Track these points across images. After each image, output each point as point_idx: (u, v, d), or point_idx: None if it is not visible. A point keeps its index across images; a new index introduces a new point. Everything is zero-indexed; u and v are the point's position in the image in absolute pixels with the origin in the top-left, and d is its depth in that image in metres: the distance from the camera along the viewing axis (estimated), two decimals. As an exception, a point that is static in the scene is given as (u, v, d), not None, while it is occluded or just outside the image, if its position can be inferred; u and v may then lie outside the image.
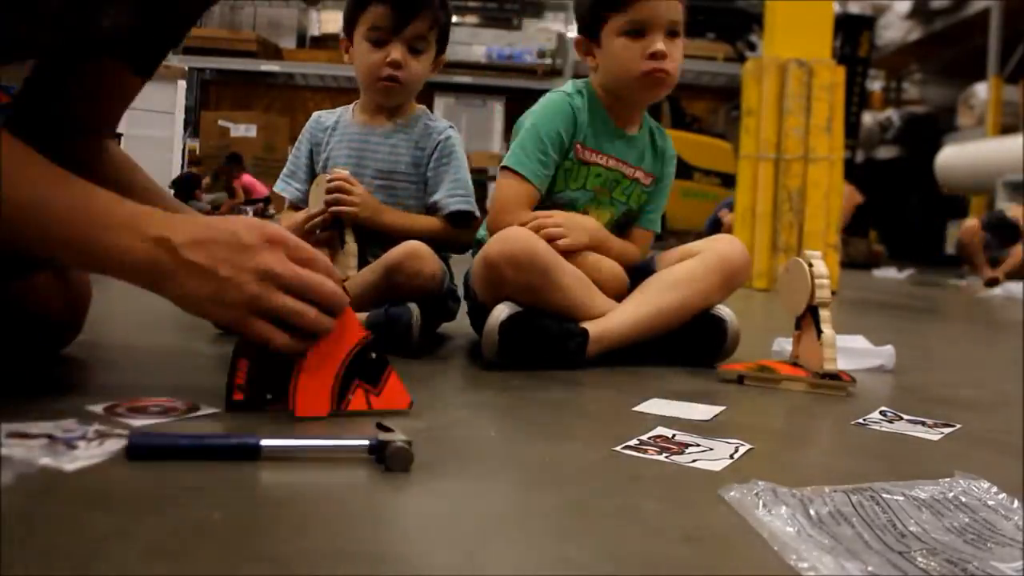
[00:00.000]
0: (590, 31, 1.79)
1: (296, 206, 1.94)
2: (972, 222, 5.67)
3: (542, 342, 1.54)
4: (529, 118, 1.78)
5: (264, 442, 0.88)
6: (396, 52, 1.80)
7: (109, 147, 1.36)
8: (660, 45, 1.71)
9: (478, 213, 1.85)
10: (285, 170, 1.98)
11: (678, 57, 1.76)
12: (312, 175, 1.93)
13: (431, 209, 1.87)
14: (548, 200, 1.77)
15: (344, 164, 1.85)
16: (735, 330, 1.70)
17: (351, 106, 1.98)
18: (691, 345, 1.69)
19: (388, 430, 0.93)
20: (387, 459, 0.88)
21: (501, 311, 1.53)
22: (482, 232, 1.87)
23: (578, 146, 1.77)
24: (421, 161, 1.89)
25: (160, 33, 1.28)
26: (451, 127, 1.94)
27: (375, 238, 1.79)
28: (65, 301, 1.32)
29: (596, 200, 1.81)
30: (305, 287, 1.02)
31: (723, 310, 1.71)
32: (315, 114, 2.00)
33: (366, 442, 0.90)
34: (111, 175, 1.23)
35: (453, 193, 1.85)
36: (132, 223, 0.98)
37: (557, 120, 1.75)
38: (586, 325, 1.61)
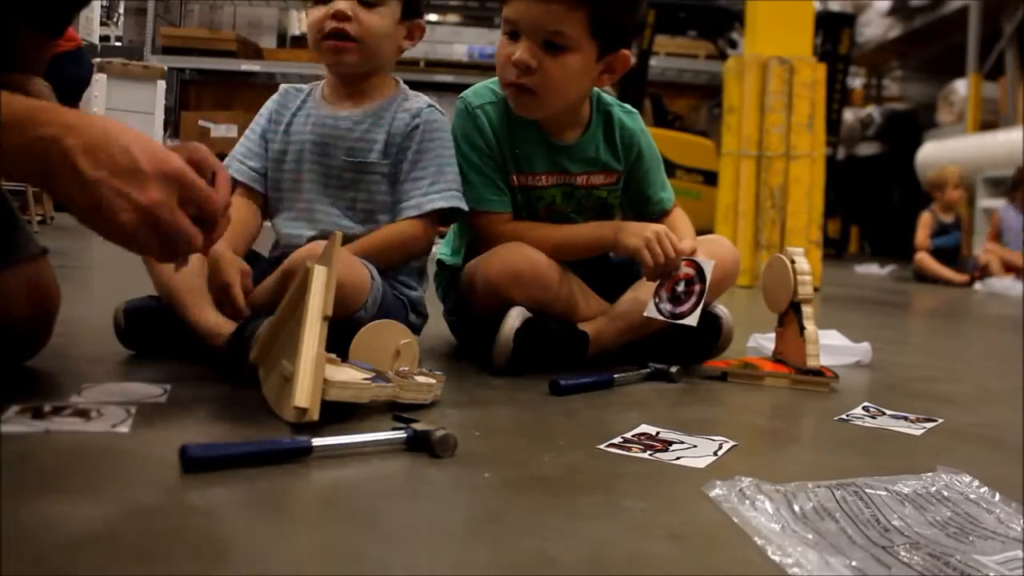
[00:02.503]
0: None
1: (249, 188, 1.62)
2: (920, 254, 5.82)
3: (547, 346, 1.53)
4: (454, 146, 1.62)
5: (315, 442, 0.92)
6: (340, 2, 1.50)
7: (31, 84, 1.27)
8: (522, 54, 1.49)
9: (467, 207, 1.57)
10: (239, 146, 1.65)
11: (552, 74, 1.51)
12: (266, 148, 1.64)
13: (397, 204, 1.56)
14: None
15: (310, 150, 1.58)
16: (729, 327, 1.70)
17: (321, 84, 1.68)
18: (686, 342, 1.68)
19: (410, 422, 1.01)
20: (435, 446, 0.95)
21: (514, 319, 1.47)
22: (444, 250, 1.81)
23: (514, 176, 1.65)
24: (394, 149, 1.57)
25: None
26: (431, 106, 1.61)
27: None
28: (32, 308, 1.25)
29: (552, 220, 1.70)
30: (179, 241, 0.97)
31: (719, 308, 1.71)
32: (283, 88, 1.71)
33: (403, 435, 0.97)
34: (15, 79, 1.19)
35: (432, 188, 1.54)
36: (28, 118, 0.92)
37: (472, 139, 1.63)
38: (583, 326, 1.61)
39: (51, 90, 1.31)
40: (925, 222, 6.01)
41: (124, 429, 0.98)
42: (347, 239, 1.46)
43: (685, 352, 1.65)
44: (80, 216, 0.96)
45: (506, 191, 1.65)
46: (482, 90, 1.68)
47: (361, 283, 1.40)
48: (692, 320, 1.52)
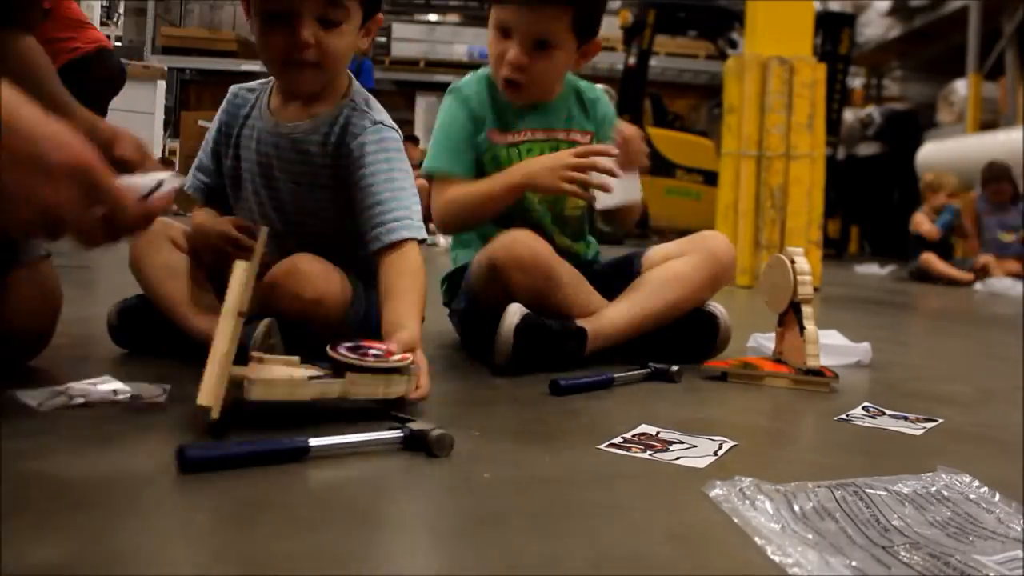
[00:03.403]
0: (488, 11, 1.75)
1: (204, 203, 1.58)
2: (926, 255, 5.85)
3: (547, 343, 1.53)
4: (436, 123, 1.79)
5: (313, 442, 0.91)
6: (305, 30, 1.34)
7: (21, 44, 1.24)
8: (515, 56, 1.65)
9: (425, 235, 1.42)
10: (197, 159, 1.60)
11: (541, 70, 1.68)
12: (219, 163, 1.57)
13: (362, 236, 1.40)
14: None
15: (262, 172, 1.50)
16: (727, 326, 1.71)
17: (269, 85, 1.56)
18: (684, 341, 1.69)
19: (407, 420, 1.00)
20: (432, 445, 0.95)
21: (513, 315, 1.49)
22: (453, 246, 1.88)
23: (492, 133, 1.75)
24: (342, 170, 1.45)
25: None
26: (380, 123, 1.46)
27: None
28: (36, 309, 1.26)
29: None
30: (89, 238, 0.89)
31: (715, 307, 1.72)
32: (233, 89, 1.59)
33: (399, 434, 0.97)
34: (22, 72, 1.16)
35: (390, 217, 1.39)
36: None
37: (454, 110, 1.75)
38: (582, 323, 1.61)
39: (39, 58, 1.27)
40: (922, 219, 6.04)
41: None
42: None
43: (683, 351, 1.65)
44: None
45: (466, 159, 1.74)
46: (468, 78, 1.82)
47: (340, 298, 1.40)
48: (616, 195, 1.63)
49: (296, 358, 1.06)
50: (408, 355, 1.13)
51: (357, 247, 1.43)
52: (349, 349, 1.09)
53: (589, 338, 1.59)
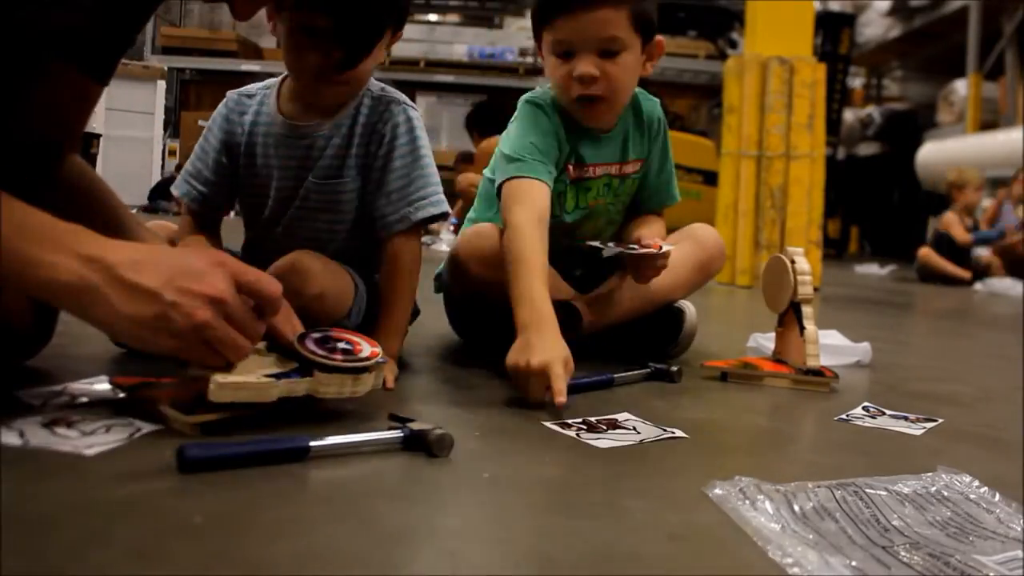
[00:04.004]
0: (537, 39, 1.65)
1: (197, 211, 1.54)
2: (925, 249, 5.84)
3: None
4: (511, 130, 1.65)
5: (313, 443, 0.91)
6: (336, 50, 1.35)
7: (71, 164, 1.26)
8: (584, 68, 1.55)
9: (448, 208, 1.49)
10: (191, 165, 1.54)
11: (615, 76, 1.58)
12: (223, 172, 1.53)
13: (381, 217, 1.45)
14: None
15: (283, 175, 1.49)
16: (692, 323, 1.72)
17: (274, 89, 1.54)
18: (648, 335, 1.71)
19: (407, 420, 0.99)
20: (431, 445, 0.95)
21: None
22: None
23: (569, 167, 1.67)
24: (369, 162, 1.48)
25: (116, 32, 1.19)
26: (403, 105, 1.49)
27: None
28: (36, 309, 1.24)
29: (591, 214, 1.74)
30: (246, 323, 0.97)
31: (684, 303, 1.74)
32: (229, 95, 1.56)
33: (399, 434, 0.97)
34: (71, 195, 1.18)
35: (416, 195, 1.45)
36: (64, 239, 0.90)
37: (541, 122, 1.63)
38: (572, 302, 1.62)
39: (90, 173, 1.28)
40: (954, 220, 5.96)
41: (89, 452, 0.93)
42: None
43: (646, 344, 1.69)
44: (133, 335, 0.94)
45: (552, 165, 1.61)
46: (541, 92, 1.69)
47: (343, 292, 1.41)
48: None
49: (263, 345, 1.06)
50: (377, 350, 1.10)
51: (367, 244, 1.49)
52: (317, 342, 1.07)
53: (584, 319, 1.60)
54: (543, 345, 1.28)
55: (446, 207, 1.47)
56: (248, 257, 1.51)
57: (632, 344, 1.68)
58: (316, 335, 1.08)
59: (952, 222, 5.96)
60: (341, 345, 1.08)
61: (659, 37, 1.66)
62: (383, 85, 1.54)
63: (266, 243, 1.54)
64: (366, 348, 1.10)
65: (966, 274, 5.54)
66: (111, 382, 1.12)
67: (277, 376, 1.02)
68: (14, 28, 1.02)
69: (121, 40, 1.21)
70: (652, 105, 1.78)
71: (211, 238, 1.54)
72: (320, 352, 1.05)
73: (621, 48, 1.57)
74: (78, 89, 1.19)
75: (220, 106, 1.55)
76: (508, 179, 1.56)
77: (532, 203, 1.51)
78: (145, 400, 1.04)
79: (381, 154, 1.46)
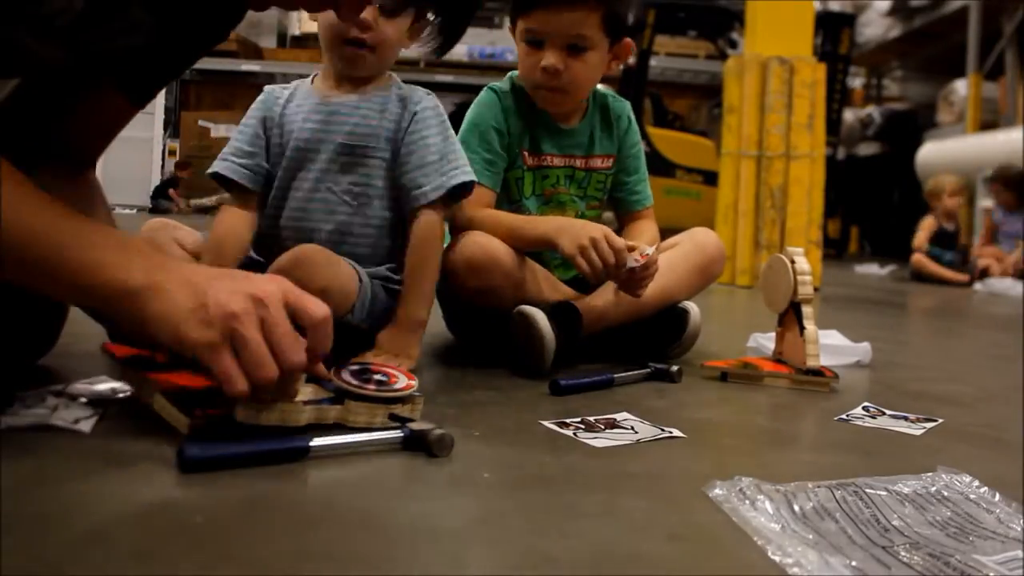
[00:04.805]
0: (513, 24, 1.73)
1: (242, 191, 1.56)
2: (917, 256, 5.85)
3: (573, 327, 1.54)
4: (466, 118, 1.75)
5: (313, 443, 0.92)
6: (366, 10, 1.40)
7: (88, 181, 1.27)
8: (550, 60, 1.64)
9: (472, 180, 1.55)
10: (229, 147, 1.59)
11: (580, 73, 1.67)
12: (260, 145, 1.58)
13: (410, 191, 1.52)
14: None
15: (307, 138, 1.55)
16: (696, 324, 1.72)
17: (308, 78, 1.66)
18: (650, 335, 1.71)
19: (407, 420, 1.00)
20: (432, 445, 0.95)
21: (539, 318, 1.47)
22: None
23: (525, 153, 1.74)
24: (395, 135, 1.56)
25: (167, 62, 1.22)
26: (429, 94, 1.62)
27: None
28: (46, 309, 1.25)
29: (552, 202, 1.78)
30: (282, 338, 0.90)
31: (688, 304, 1.74)
32: (267, 88, 1.66)
33: (399, 434, 0.97)
34: (84, 212, 1.19)
35: (445, 168, 1.52)
36: (130, 245, 0.91)
37: (490, 115, 1.72)
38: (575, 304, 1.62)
39: (101, 194, 1.28)
40: (927, 225, 6.04)
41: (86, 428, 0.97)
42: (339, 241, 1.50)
43: (649, 343, 1.69)
44: (173, 329, 0.89)
45: (498, 172, 1.72)
46: (507, 83, 1.79)
47: (347, 287, 1.41)
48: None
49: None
50: (413, 382, 1.11)
51: (390, 222, 1.56)
52: (353, 373, 1.07)
53: (583, 319, 1.60)
54: (585, 225, 1.57)
55: (473, 176, 1.55)
56: (266, 234, 1.58)
57: (635, 344, 1.68)
58: (354, 367, 1.09)
59: (924, 226, 6.03)
60: (377, 376, 1.09)
61: (627, 39, 1.74)
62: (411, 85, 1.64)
63: (286, 210, 1.56)
64: (402, 380, 1.10)
65: (962, 277, 5.56)
66: (102, 348, 1.11)
67: (306, 403, 1.01)
68: (78, 47, 1.03)
69: (170, 72, 1.24)
70: (621, 106, 1.87)
71: (246, 222, 1.56)
72: (354, 382, 1.05)
73: (589, 46, 1.65)
74: (117, 109, 1.22)
75: (259, 96, 1.64)
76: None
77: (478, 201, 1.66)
78: (138, 382, 1.03)
79: (412, 130, 1.55)
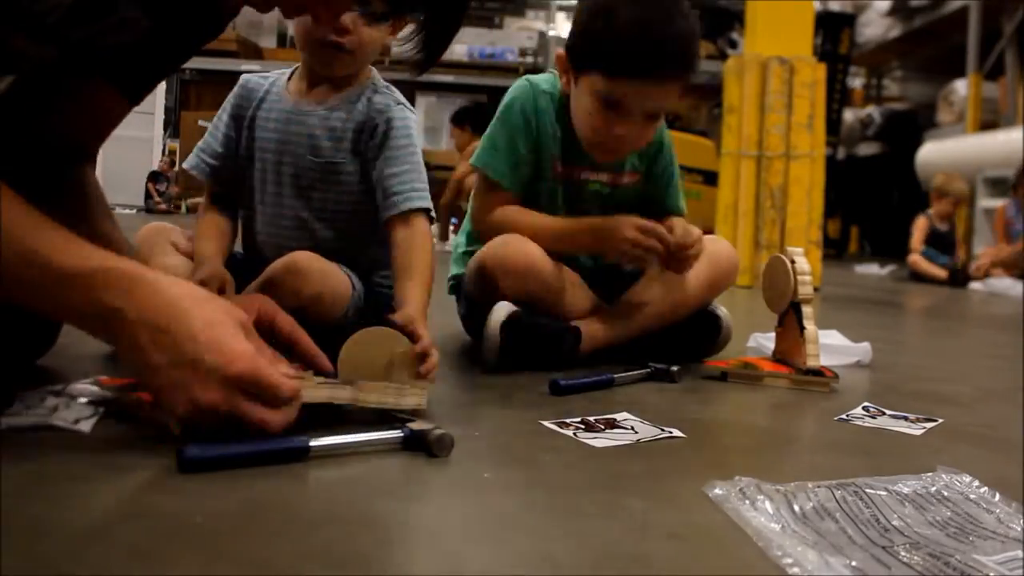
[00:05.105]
0: (575, 63, 1.60)
1: (213, 186, 1.59)
2: (914, 256, 5.85)
3: (538, 342, 1.53)
4: (498, 112, 1.70)
5: (313, 443, 0.91)
6: (345, 14, 1.36)
7: (85, 177, 1.27)
8: (633, 133, 1.56)
9: (432, 209, 1.50)
10: (203, 141, 1.60)
11: (647, 137, 1.63)
12: (231, 146, 1.58)
13: (386, 199, 1.49)
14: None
15: (275, 150, 1.54)
16: (728, 327, 1.71)
17: (287, 72, 1.62)
18: (684, 340, 1.69)
19: (407, 420, 1.00)
20: (432, 445, 0.95)
21: (500, 312, 1.50)
22: (459, 238, 1.85)
23: (558, 164, 1.68)
24: (362, 147, 1.53)
25: (160, 58, 1.21)
26: (400, 104, 1.56)
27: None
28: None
29: (584, 214, 1.72)
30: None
31: (718, 308, 1.72)
32: (244, 78, 1.62)
33: (399, 434, 0.97)
34: (80, 208, 1.18)
35: (409, 187, 1.48)
36: (90, 283, 0.87)
37: (526, 115, 1.65)
38: (579, 324, 1.61)
39: (99, 190, 1.28)
40: (921, 226, 6.03)
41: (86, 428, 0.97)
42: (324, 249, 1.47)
43: (683, 351, 1.65)
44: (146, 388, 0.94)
45: (521, 173, 1.67)
46: (545, 82, 1.70)
47: (339, 292, 1.43)
48: None
49: (309, 372, 1.06)
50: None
51: (363, 236, 1.54)
52: None
53: (585, 337, 1.59)
54: (626, 218, 1.60)
55: (428, 204, 1.49)
56: (245, 237, 1.58)
57: (667, 350, 1.63)
58: None
59: (919, 227, 6.01)
60: None
61: None
62: (388, 84, 1.59)
63: (260, 222, 1.56)
64: None
65: (941, 273, 5.57)
66: (97, 383, 1.12)
67: (319, 382, 1.03)
68: (70, 44, 1.02)
69: (163, 68, 1.24)
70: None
71: (228, 219, 1.58)
72: None
73: (659, 115, 1.60)
74: (110, 105, 1.21)
75: (236, 86, 1.61)
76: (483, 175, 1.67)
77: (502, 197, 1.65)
78: (131, 404, 1.04)
79: (374, 144, 1.51)
